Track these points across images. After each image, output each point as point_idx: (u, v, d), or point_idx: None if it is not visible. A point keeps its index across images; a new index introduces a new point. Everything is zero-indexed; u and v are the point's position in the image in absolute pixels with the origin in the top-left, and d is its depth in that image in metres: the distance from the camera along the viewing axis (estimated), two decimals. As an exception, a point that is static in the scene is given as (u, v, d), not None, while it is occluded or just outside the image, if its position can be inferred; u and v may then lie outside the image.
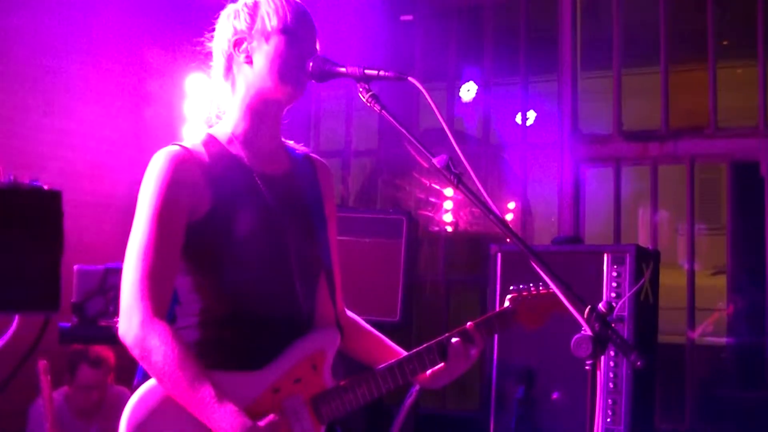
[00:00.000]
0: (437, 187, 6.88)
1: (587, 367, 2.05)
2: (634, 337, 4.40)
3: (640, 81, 7.05)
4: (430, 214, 6.84)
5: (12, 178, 2.71)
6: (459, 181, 2.31)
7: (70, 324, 4.09)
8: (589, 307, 2.08)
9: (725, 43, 7.13)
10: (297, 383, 2.44)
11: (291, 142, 2.69)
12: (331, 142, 7.32)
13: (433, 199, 6.87)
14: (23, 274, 2.71)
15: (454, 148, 2.37)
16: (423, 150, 2.38)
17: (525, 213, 6.84)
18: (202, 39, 2.61)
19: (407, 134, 2.41)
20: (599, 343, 2.03)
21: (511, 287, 2.77)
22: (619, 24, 6.21)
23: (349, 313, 2.81)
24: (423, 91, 2.37)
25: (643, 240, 7.05)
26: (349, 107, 7.11)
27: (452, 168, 2.33)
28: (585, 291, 4.36)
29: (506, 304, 2.75)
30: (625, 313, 4.41)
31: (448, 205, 6.84)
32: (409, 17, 6.81)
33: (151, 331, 2.24)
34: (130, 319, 2.26)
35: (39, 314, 2.79)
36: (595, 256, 4.58)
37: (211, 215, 2.36)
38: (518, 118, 6.84)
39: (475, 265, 6.49)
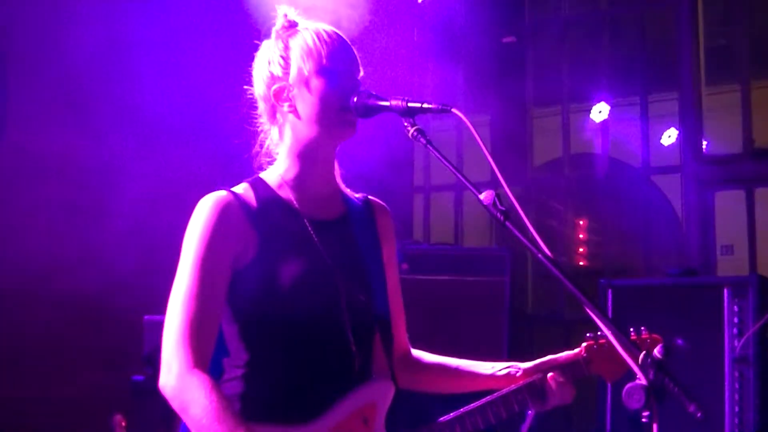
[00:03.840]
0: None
1: (644, 420, 1.93)
2: (760, 380, 4.17)
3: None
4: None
5: None
6: (506, 218, 2.25)
7: (144, 376, 4.19)
8: (644, 352, 1.97)
9: None
10: (348, 437, 2.42)
11: (348, 191, 2.68)
12: (442, 176, 7.34)
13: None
14: None
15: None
16: (470, 186, 2.33)
17: (647, 239, 6.64)
18: (247, 87, 2.63)
19: (453, 169, 2.37)
20: (654, 393, 1.92)
21: (588, 334, 2.68)
22: (744, 32, 5.97)
23: (416, 353, 2.78)
24: (467, 123, 2.32)
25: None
26: (459, 138, 7.11)
27: (498, 205, 2.27)
28: (702, 329, 4.26)
29: (582, 352, 2.65)
30: (750, 352, 4.19)
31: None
32: (512, 39, 6.77)
33: (190, 382, 2.25)
34: (170, 369, 2.28)
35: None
36: (713, 290, 4.39)
37: (256, 262, 2.37)
38: (664, 139, 6.68)
39: (593, 302, 6.31)
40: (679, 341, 4.23)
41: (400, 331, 2.74)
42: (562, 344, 6.32)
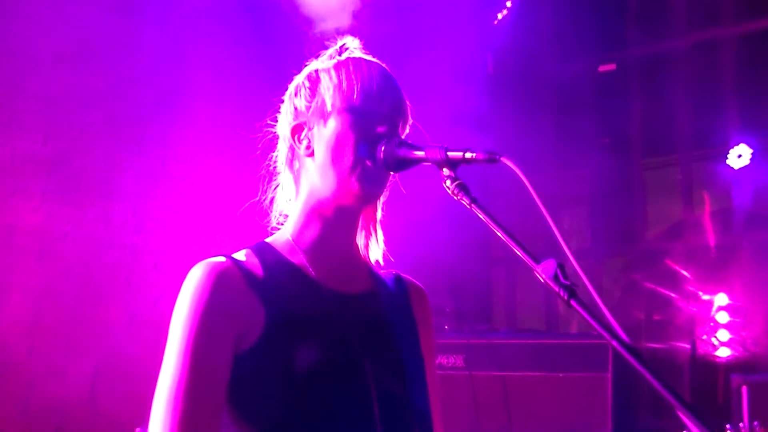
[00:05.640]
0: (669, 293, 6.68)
1: None
2: None
3: None
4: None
5: None
6: (572, 295, 2.20)
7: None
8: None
9: None
10: None
11: (376, 265, 2.66)
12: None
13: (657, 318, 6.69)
14: None
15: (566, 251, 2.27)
16: (525, 255, 2.30)
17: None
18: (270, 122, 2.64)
19: (506, 236, 2.35)
20: None
21: (728, 425, 2.65)
22: None
23: None
24: (520, 174, 2.30)
25: None
26: (555, 192, 7.11)
27: (562, 278, 2.23)
28: None
29: None
30: None
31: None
32: (611, 66, 6.76)
33: None
34: None
35: None
36: None
37: (263, 343, 2.30)
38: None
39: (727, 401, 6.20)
40: None
41: None
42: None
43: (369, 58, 2.55)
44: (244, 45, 5.87)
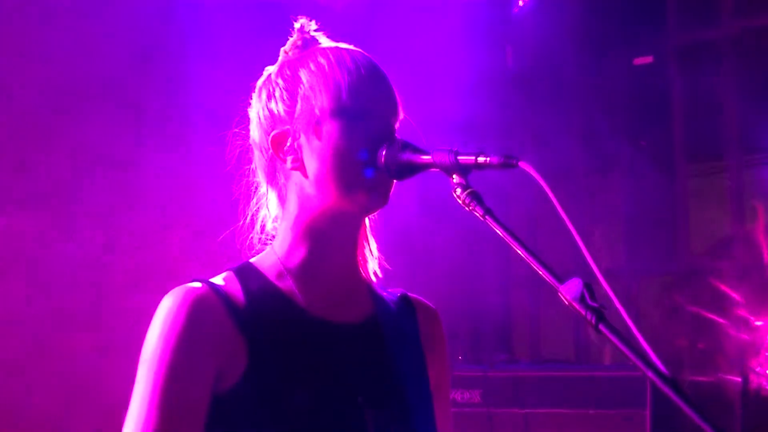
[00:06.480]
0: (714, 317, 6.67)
1: None
2: None
3: None
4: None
5: None
6: (600, 319, 2.18)
7: None
8: None
9: None
10: None
11: (377, 283, 2.65)
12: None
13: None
14: None
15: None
16: (546, 272, 2.29)
17: None
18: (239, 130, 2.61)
19: (525, 252, 2.33)
20: None
21: None
22: None
23: None
24: (540, 181, 2.29)
25: None
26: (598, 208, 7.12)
27: (589, 300, 2.21)
28: None
29: None
30: None
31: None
32: (648, 59, 6.77)
33: None
34: None
35: None
36: None
37: (245, 383, 2.29)
38: None
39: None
40: None
41: None
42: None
43: (345, 45, 2.53)
44: (224, 41, 5.87)
